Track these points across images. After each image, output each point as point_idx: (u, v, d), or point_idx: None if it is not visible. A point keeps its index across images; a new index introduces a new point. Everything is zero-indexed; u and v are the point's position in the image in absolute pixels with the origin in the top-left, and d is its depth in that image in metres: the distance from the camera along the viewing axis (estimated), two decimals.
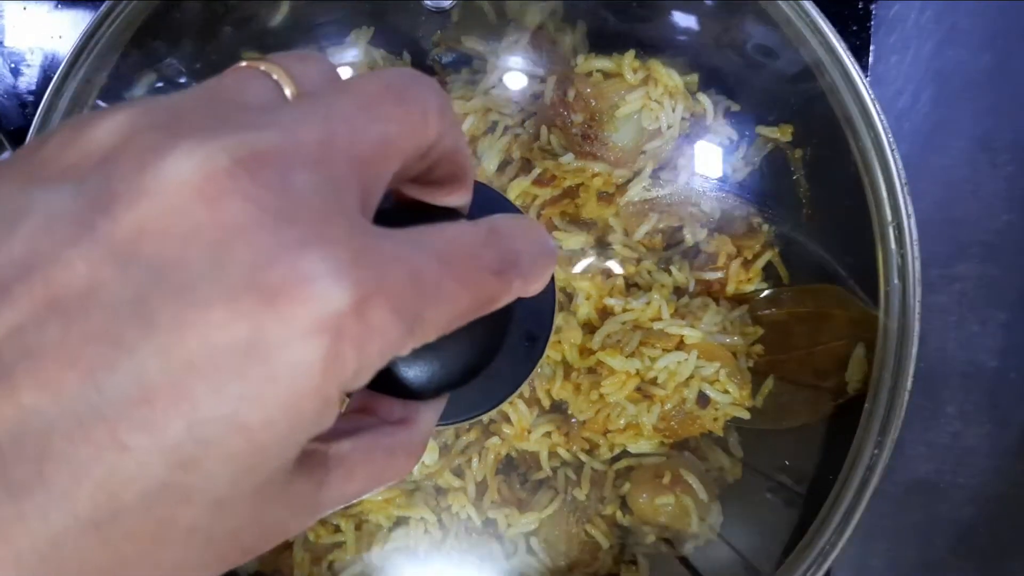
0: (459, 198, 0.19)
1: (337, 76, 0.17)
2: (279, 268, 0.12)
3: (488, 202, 0.23)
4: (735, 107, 0.34)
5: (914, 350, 0.31)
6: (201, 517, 0.13)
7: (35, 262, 0.12)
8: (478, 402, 0.25)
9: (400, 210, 0.19)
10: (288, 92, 0.16)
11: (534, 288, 0.17)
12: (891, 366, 0.31)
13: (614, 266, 0.33)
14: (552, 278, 0.25)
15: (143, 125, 0.14)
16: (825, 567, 0.31)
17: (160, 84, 0.34)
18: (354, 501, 0.17)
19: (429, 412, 0.19)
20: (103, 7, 0.31)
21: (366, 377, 0.14)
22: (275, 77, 0.16)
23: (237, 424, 0.13)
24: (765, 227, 0.34)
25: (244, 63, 0.16)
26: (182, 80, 0.34)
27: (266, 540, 0.15)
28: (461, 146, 0.18)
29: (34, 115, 0.44)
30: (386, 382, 0.19)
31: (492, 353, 0.21)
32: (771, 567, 0.32)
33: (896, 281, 0.32)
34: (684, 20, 0.35)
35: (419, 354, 0.17)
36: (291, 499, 0.15)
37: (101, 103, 0.32)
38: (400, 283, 0.13)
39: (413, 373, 0.20)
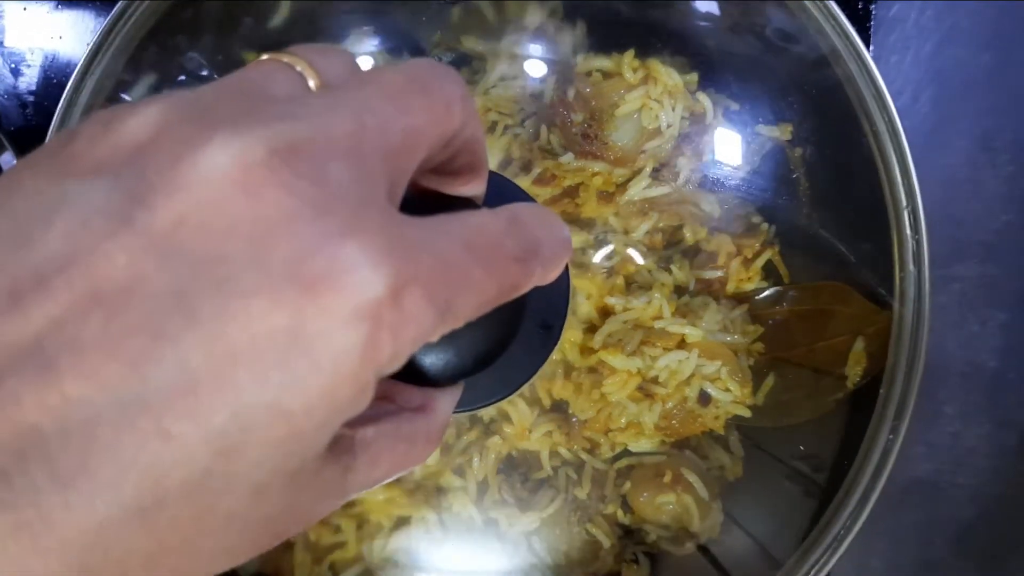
0: (475, 187, 0.19)
1: (358, 68, 0.17)
2: (320, 258, 0.13)
3: (503, 191, 0.23)
4: (735, 106, 0.34)
5: (926, 335, 0.32)
6: (240, 504, 0.14)
7: (74, 255, 0.12)
8: (495, 389, 0.25)
9: (417, 200, 0.19)
10: (312, 84, 0.16)
11: (551, 276, 0.17)
12: (906, 351, 0.32)
13: (635, 255, 0.33)
14: (566, 267, 0.25)
15: (174, 118, 0.14)
16: (840, 552, 0.31)
17: (170, 82, 0.34)
18: (376, 487, 0.17)
19: (447, 399, 0.20)
20: (117, 7, 0.31)
21: (400, 362, 0.14)
22: (299, 69, 0.16)
23: (279, 411, 0.13)
24: (765, 226, 0.34)
25: (266, 56, 0.16)
26: (182, 79, 0.34)
27: (296, 524, 0.15)
28: (479, 135, 0.18)
29: (34, 115, 0.44)
30: (405, 370, 0.20)
31: (508, 341, 0.21)
32: (787, 553, 0.32)
33: (912, 267, 0.32)
34: (684, 20, 0.35)
35: (438, 342, 0.17)
36: (322, 484, 0.15)
37: (126, 96, 0.33)
38: (432, 271, 0.14)
39: (431, 361, 0.20)
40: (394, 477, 0.17)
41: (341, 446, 0.16)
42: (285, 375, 0.13)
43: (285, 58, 0.16)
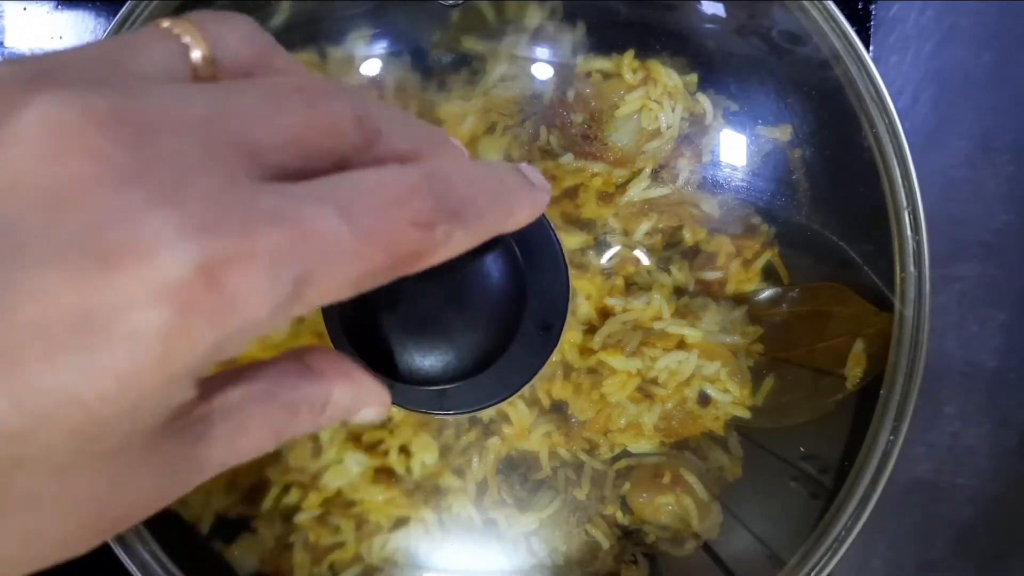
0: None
1: (264, 43, 0.16)
2: (116, 230, 0.11)
3: None
4: (734, 107, 0.34)
5: (927, 336, 0.32)
6: (42, 484, 0.12)
7: None
8: (495, 390, 0.25)
9: None
10: (198, 55, 0.15)
11: (482, 236, 0.16)
12: (907, 352, 0.32)
13: (635, 256, 0.33)
14: (566, 266, 0.25)
15: (10, 77, 0.13)
16: (841, 552, 0.32)
17: None
18: (257, 455, 0.15)
19: (357, 377, 0.18)
20: (124, 8, 0.31)
21: (235, 349, 0.13)
22: (185, 40, 0.15)
23: (71, 397, 0.12)
24: (765, 227, 0.34)
25: (158, 23, 0.15)
26: None
27: (142, 507, 0.14)
28: (407, 148, 0.16)
29: None
30: (399, 371, 0.19)
31: (507, 342, 0.21)
32: (787, 554, 0.33)
33: (912, 268, 0.32)
34: (684, 21, 0.35)
35: (433, 344, 0.17)
36: (163, 462, 0.14)
37: None
38: (278, 242, 0.12)
39: (428, 363, 0.20)
40: (275, 447, 0.16)
41: (187, 419, 0.14)
42: (76, 359, 0.11)
43: (175, 28, 0.15)
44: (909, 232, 0.32)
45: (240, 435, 0.15)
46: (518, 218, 0.16)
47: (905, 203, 0.32)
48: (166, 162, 0.12)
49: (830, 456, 0.34)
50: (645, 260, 0.33)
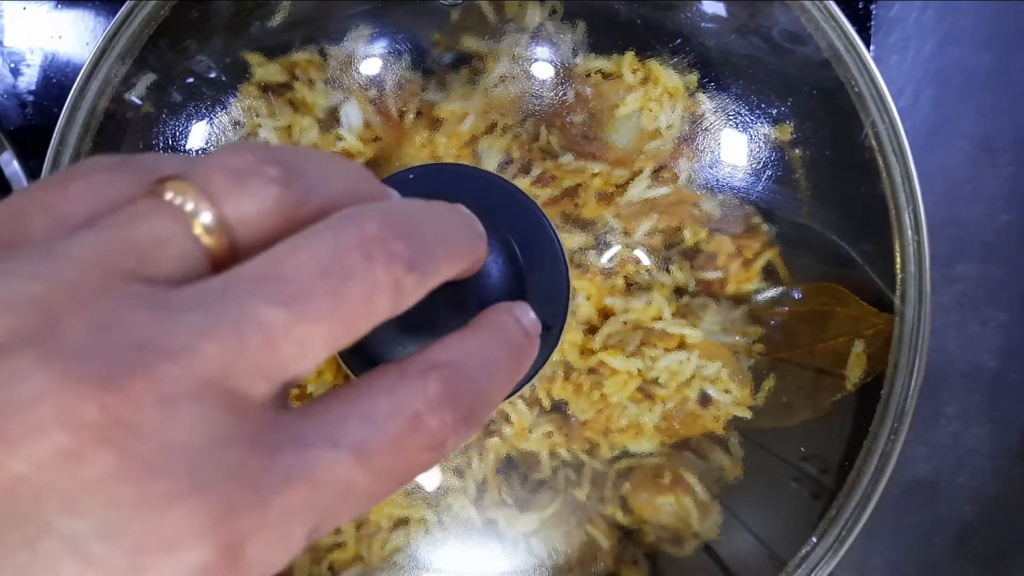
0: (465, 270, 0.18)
1: (284, 190, 0.14)
2: (140, 524, 0.11)
3: (497, 191, 0.22)
4: (734, 107, 0.34)
5: (927, 336, 0.32)
6: None
7: None
8: None
9: None
10: (207, 242, 0.13)
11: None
12: (907, 352, 0.32)
13: (641, 255, 0.33)
14: (566, 267, 0.24)
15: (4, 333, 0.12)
16: (841, 552, 0.32)
17: (175, 83, 0.34)
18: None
19: None
20: (123, 8, 0.31)
21: None
22: (189, 208, 0.13)
23: None
24: (765, 226, 0.34)
25: (152, 190, 0.13)
26: (190, 80, 0.34)
27: None
28: (453, 252, 0.15)
29: (33, 115, 0.44)
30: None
31: None
32: (788, 554, 0.33)
33: (912, 268, 0.32)
34: (683, 21, 0.35)
35: (423, 343, 0.16)
36: None
37: (132, 98, 0.33)
38: (291, 504, 0.12)
39: None
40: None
41: None
42: None
43: (177, 199, 0.13)
44: (910, 232, 0.32)
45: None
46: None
47: (905, 203, 0.32)
48: (183, 441, 0.12)
49: (830, 456, 0.34)
50: (645, 260, 0.33)
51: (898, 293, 0.32)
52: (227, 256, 0.13)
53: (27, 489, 0.11)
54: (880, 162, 0.33)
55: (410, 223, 0.14)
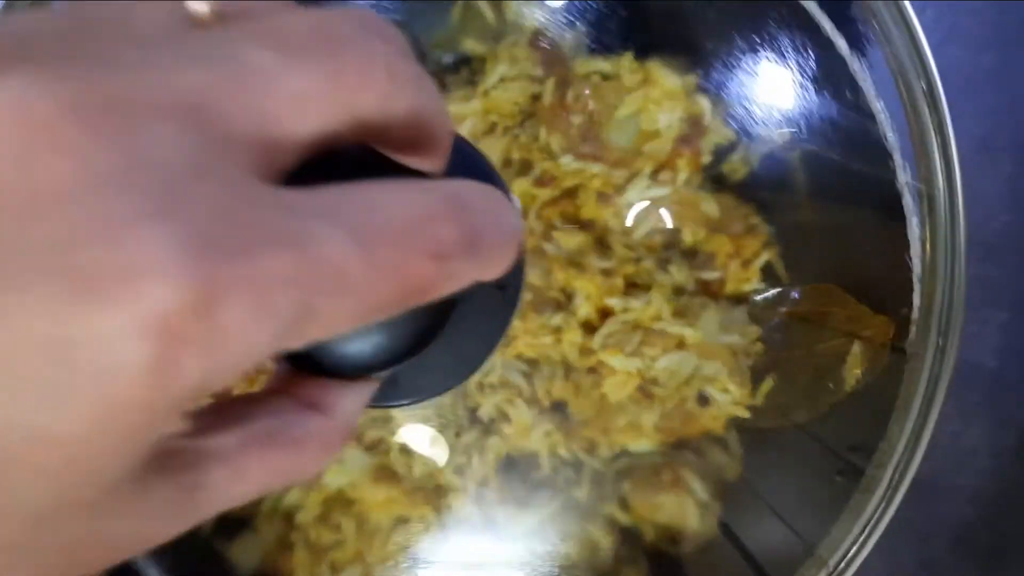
0: (427, 165, 0.15)
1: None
2: (96, 248, 0.10)
3: (461, 160, 0.18)
4: (733, 107, 0.34)
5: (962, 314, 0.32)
6: (18, 534, 0.11)
7: None
8: (456, 368, 0.21)
9: (349, 158, 0.14)
10: (199, 8, 0.12)
11: (492, 273, 0.14)
12: (937, 330, 0.32)
13: (641, 256, 0.33)
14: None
15: None
16: (876, 537, 0.31)
17: None
18: (256, 498, 0.14)
19: (352, 396, 0.16)
20: None
21: (223, 381, 0.11)
22: None
23: (41, 437, 0.10)
24: (764, 227, 0.34)
25: None
26: None
27: (123, 550, 0.12)
28: (426, 111, 0.14)
29: None
30: (321, 361, 0.16)
31: (447, 311, 0.17)
32: (789, 552, 0.33)
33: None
34: (683, 21, 0.35)
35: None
36: (151, 507, 0.12)
37: None
38: (277, 269, 0.11)
39: (355, 348, 0.16)
40: (278, 488, 0.14)
41: (178, 461, 0.13)
42: (45, 393, 0.10)
43: None
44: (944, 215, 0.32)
45: (238, 482, 0.13)
46: (514, 251, 0.14)
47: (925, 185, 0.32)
48: (158, 159, 0.10)
49: (830, 456, 0.34)
50: (644, 260, 0.34)
51: (927, 272, 0.32)
52: None
53: None
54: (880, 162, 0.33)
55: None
